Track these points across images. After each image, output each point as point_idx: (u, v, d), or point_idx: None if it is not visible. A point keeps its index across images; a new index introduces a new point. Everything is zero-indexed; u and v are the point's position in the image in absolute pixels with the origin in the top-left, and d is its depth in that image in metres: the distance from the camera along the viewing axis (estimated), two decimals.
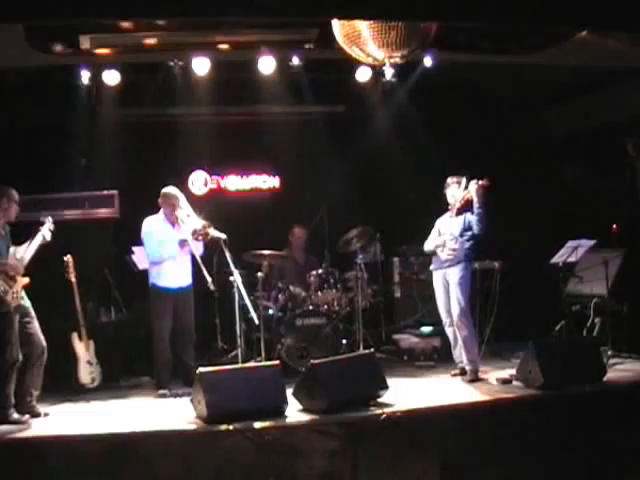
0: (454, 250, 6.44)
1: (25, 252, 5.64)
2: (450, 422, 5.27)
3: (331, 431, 5.03)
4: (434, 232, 6.72)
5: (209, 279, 6.22)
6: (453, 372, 6.65)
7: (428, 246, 6.70)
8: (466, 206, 6.47)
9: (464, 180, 6.51)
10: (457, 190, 6.55)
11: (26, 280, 5.61)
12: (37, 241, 5.73)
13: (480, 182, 6.33)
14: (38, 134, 7.74)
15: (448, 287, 6.48)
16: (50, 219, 5.92)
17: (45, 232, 5.81)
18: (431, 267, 6.70)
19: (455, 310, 6.38)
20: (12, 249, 5.62)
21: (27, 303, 5.66)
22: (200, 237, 6.46)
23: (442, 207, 6.75)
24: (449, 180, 6.61)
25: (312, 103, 8.31)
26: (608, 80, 7.81)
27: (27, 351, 5.56)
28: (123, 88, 7.52)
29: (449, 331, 6.61)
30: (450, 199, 6.61)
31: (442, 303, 6.57)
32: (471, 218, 6.42)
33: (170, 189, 6.58)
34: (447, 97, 8.27)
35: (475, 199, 6.34)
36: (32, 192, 6.61)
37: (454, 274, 6.42)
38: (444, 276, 6.52)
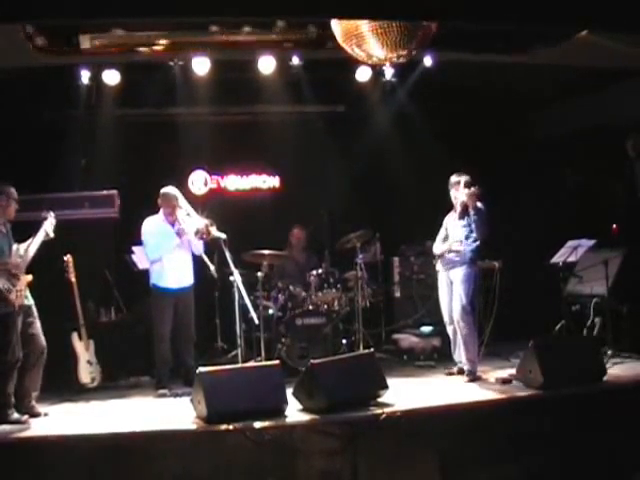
0: (458, 252, 6.45)
1: (28, 249, 5.62)
2: (450, 422, 5.27)
3: (331, 431, 5.03)
4: (442, 232, 6.71)
5: (212, 266, 6.29)
6: (448, 371, 6.67)
7: (437, 249, 6.70)
8: (466, 210, 6.47)
9: (463, 180, 6.50)
10: (456, 192, 6.55)
11: (29, 277, 5.61)
12: (40, 237, 5.71)
13: (471, 189, 6.34)
14: (38, 134, 7.73)
15: (452, 286, 6.50)
16: (52, 214, 5.89)
17: (48, 228, 5.79)
18: (437, 267, 6.71)
19: (456, 307, 6.40)
20: (15, 247, 5.61)
21: (30, 302, 5.65)
22: (203, 236, 6.46)
23: (442, 206, 6.75)
24: (451, 180, 6.60)
25: (312, 103, 8.32)
26: (608, 80, 7.80)
27: (27, 351, 5.55)
28: (123, 88, 7.53)
29: (450, 330, 6.62)
30: (453, 199, 6.62)
31: (445, 302, 6.60)
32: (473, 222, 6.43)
33: (169, 189, 6.57)
34: (447, 97, 8.27)
35: (470, 206, 6.36)
36: (32, 192, 6.59)
37: (458, 273, 6.44)
38: (448, 275, 6.56)
